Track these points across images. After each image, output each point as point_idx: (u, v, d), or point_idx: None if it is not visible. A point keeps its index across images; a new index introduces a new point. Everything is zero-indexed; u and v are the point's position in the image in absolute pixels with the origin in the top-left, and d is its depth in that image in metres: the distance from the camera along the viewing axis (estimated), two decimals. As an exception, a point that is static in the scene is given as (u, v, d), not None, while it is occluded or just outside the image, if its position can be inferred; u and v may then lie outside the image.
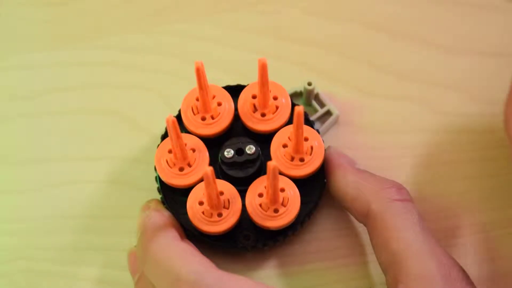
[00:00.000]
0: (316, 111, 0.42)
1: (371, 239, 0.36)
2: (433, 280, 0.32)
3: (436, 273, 0.33)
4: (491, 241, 0.40)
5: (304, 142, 0.37)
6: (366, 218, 0.36)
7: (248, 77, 0.40)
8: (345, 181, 0.37)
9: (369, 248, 0.39)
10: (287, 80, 0.41)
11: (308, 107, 0.42)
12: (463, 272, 0.34)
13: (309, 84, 0.41)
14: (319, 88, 0.42)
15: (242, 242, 0.37)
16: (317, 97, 0.42)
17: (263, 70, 0.35)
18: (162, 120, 0.40)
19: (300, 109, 0.34)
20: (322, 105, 0.42)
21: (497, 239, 0.40)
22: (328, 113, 0.42)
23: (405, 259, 0.33)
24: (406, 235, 0.34)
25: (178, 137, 0.35)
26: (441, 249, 0.34)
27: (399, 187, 0.36)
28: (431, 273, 0.33)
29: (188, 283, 0.32)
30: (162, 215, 0.36)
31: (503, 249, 0.40)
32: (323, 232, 0.40)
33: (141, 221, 0.36)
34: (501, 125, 0.36)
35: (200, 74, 0.35)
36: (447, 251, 0.35)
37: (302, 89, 0.42)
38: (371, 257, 0.39)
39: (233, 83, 0.40)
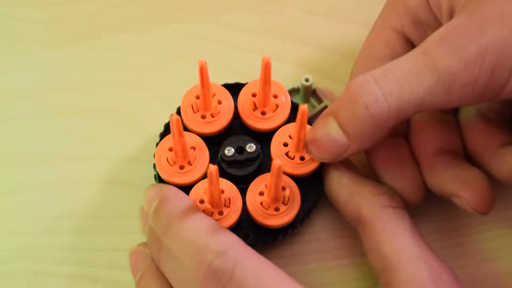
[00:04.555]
0: (314, 107, 0.42)
1: (363, 243, 0.36)
2: (424, 285, 0.32)
3: (427, 278, 0.33)
4: (491, 241, 0.40)
5: (305, 141, 0.37)
6: (357, 222, 0.36)
7: (248, 77, 0.40)
8: (339, 183, 0.37)
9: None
10: (287, 79, 0.41)
11: (305, 103, 0.42)
12: (454, 276, 0.34)
13: (307, 80, 0.41)
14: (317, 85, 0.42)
15: (242, 241, 0.37)
16: (314, 93, 0.42)
17: (266, 68, 0.35)
18: (161, 120, 0.40)
19: (304, 107, 0.34)
20: (319, 101, 0.42)
21: (497, 239, 0.40)
22: (325, 109, 0.42)
23: (397, 264, 0.33)
24: (398, 240, 0.34)
25: (181, 136, 0.35)
26: (432, 254, 0.34)
27: (392, 194, 0.36)
28: (422, 278, 0.33)
29: (214, 252, 0.32)
30: (180, 190, 0.36)
31: (503, 249, 0.40)
32: (323, 232, 0.40)
33: (154, 192, 0.36)
34: None
35: (203, 72, 0.35)
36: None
37: (300, 86, 0.42)
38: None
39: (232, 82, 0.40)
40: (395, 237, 0.34)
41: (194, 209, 0.35)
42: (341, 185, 0.37)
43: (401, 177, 0.37)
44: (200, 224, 0.34)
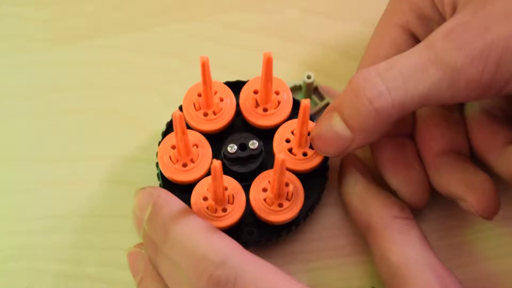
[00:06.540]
0: (316, 104, 0.42)
1: (372, 251, 0.36)
2: None
3: (434, 285, 0.33)
4: (492, 240, 0.40)
5: (307, 137, 0.37)
6: (366, 230, 0.36)
7: (248, 76, 0.39)
8: (352, 190, 0.38)
9: (370, 247, 0.39)
10: (287, 79, 0.41)
11: (307, 100, 0.42)
12: (458, 282, 0.34)
13: (309, 77, 0.41)
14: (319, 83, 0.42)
15: (245, 238, 0.37)
16: (316, 91, 0.43)
17: (268, 64, 0.35)
18: (162, 119, 0.40)
19: (306, 102, 0.34)
20: (321, 98, 0.42)
21: (498, 237, 0.40)
22: (327, 106, 0.42)
23: (405, 272, 0.34)
24: (406, 249, 0.34)
25: (184, 133, 0.35)
26: (438, 261, 0.34)
27: (402, 206, 0.37)
28: (431, 286, 0.33)
29: (213, 263, 0.31)
30: (170, 193, 0.35)
31: (504, 247, 0.40)
32: (325, 231, 0.40)
33: (145, 198, 0.35)
34: None
35: (205, 68, 0.35)
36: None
37: (301, 83, 0.42)
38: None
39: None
40: (403, 246, 0.35)
41: (188, 212, 0.34)
42: (354, 192, 0.38)
43: (407, 180, 0.38)
44: (196, 229, 0.33)
